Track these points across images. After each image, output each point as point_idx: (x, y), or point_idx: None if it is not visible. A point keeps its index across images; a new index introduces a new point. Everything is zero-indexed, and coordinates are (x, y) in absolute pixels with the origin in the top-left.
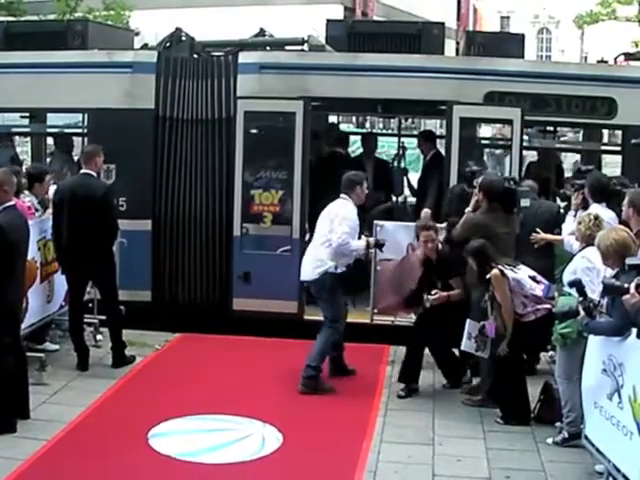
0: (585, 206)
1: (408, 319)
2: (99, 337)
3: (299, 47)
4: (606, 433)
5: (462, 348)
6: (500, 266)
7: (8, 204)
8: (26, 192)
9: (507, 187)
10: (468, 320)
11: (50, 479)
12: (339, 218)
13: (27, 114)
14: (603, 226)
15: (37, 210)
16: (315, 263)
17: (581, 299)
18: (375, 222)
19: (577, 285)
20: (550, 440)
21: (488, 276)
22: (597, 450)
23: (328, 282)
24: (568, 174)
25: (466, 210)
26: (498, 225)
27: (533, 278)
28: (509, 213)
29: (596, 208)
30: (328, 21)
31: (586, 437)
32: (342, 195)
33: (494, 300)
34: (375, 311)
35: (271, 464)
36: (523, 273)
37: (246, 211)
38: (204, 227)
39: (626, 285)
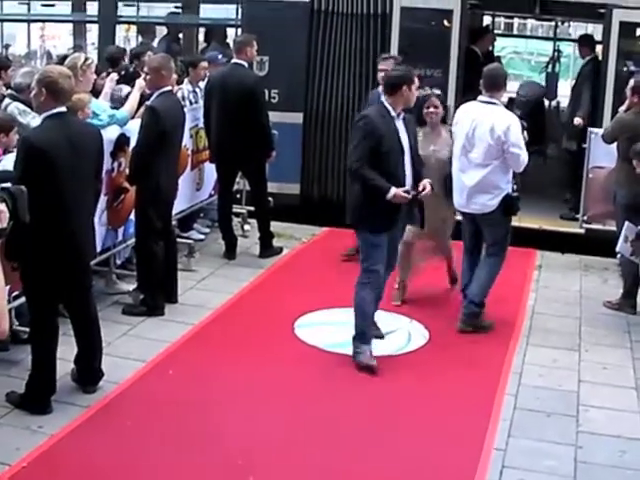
0: None
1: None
2: (247, 227)
3: None
4: None
5: (617, 250)
6: None
7: (165, 89)
8: (185, 80)
9: None
10: (627, 223)
11: (198, 362)
12: (512, 132)
13: (180, 5)
14: None
15: (191, 102)
16: (490, 193)
17: None
18: (589, 130)
19: None
20: None
21: None
22: None
23: (506, 206)
24: None
25: (620, 109)
26: None
27: None
28: None
29: None
30: None
31: None
32: (488, 97)
33: None
34: (585, 218)
35: (417, 359)
36: None
37: None
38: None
39: None
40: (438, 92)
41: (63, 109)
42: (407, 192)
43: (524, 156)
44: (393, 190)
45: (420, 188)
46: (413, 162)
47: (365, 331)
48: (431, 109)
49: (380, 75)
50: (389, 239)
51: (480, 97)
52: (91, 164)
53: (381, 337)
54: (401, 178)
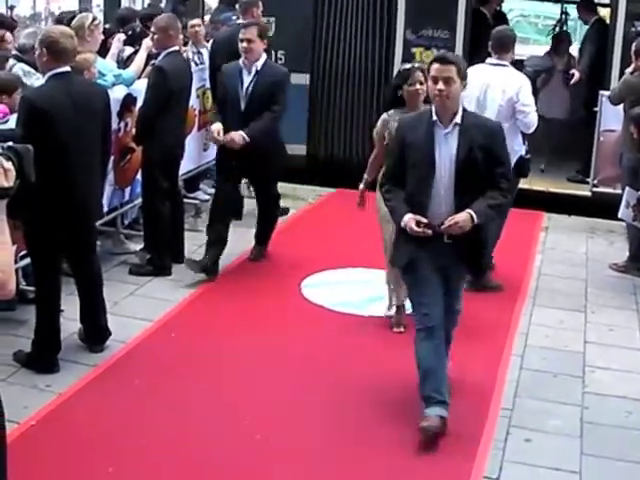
0: None
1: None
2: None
3: None
4: None
5: (619, 216)
6: None
7: (172, 49)
8: (190, 42)
9: None
10: (627, 188)
11: (204, 321)
12: (523, 93)
13: None
14: None
15: (196, 64)
16: None
17: None
18: (600, 92)
19: None
20: None
21: None
22: None
23: (518, 168)
24: None
25: (626, 71)
26: None
27: None
28: None
29: None
30: None
31: None
32: (497, 59)
33: None
34: (595, 182)
35: None
36: None
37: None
38: (362, 83)
39: None
40: (418, 65)
41: (67, 69)
42: (425, 225)
43: (534, 117)
44: (406, 217)
45: (448, 222)
46: (459, 186)
47: (430, 395)
48: (417, 86)
49: (241, 45)
50: (442, 278)
51: (489, 59)
52: (96, 123)
53: None
54: (425, 203)
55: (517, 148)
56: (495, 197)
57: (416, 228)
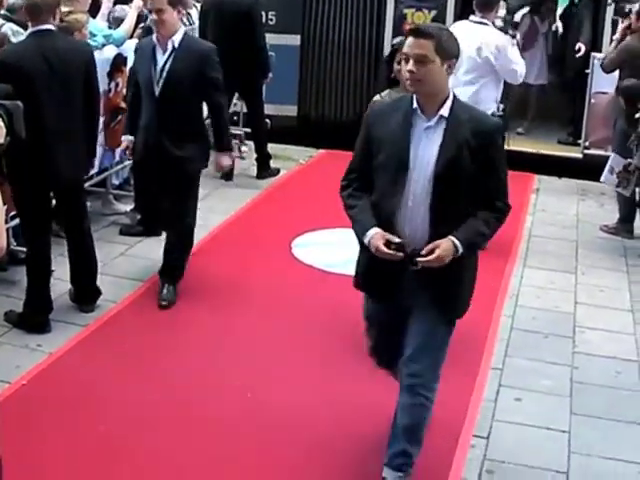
0: None
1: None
2: (244, 149)
3: None
4: None
5: (602, 180)
6: None
7: None
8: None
9: None
10: (613, 154)
11: (196, 280)
12: (504, 52)
13: None
14: None
15: (185, 24)
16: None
17: None
18: (592, 55)
19: None
20: None
21: (637, 116)
22: None
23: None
24: None
25: (614, 37)
26: None
27: None
28: None
29: None
30: None
31: None
32: (479, 18)
33: None
34: (586, 144)
35: None
36: None
37: (397, 30)
38: (353, 45)
39: None
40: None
41: (47, 27)
42: (396, 245)
43: (522, 70)
44: (371, 232)
45: (425, 250)
46: (436, 199)
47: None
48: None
49: (151, 18)
50: (404, 316)
51: (472, 17)
52: (76, 82)
53: None
54: (392, 218)
55: (489, 105)
56: (489, 222)
57: (385, 249)
